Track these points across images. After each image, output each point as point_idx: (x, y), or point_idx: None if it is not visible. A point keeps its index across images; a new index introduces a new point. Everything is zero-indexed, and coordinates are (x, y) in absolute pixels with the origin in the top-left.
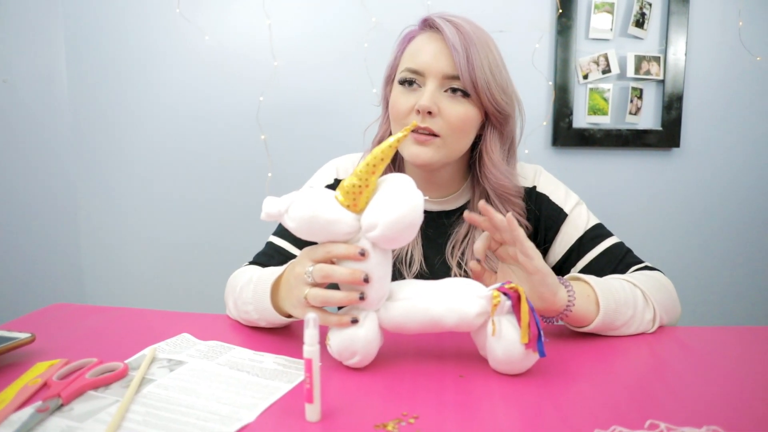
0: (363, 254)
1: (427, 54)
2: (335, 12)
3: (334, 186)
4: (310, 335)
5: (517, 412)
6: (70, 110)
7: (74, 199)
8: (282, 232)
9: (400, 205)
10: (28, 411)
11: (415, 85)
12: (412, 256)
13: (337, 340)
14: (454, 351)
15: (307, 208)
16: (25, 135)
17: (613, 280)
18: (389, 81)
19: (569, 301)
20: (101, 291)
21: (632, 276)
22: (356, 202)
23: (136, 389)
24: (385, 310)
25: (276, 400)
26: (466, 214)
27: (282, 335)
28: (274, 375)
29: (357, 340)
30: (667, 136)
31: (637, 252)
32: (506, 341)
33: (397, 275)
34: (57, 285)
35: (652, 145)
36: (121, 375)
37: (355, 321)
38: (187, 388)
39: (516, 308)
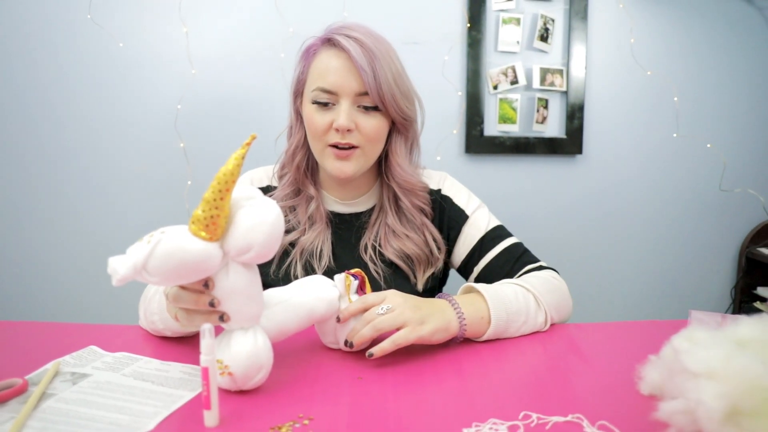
0: (207, 286)
1: (336, 74)
2: (253, 21)
3: None
4: (207, 345)
5: (408, 408)
6: None
7: None
8: None
9: (267, 222)
10: None
11: (329, 104)
12: (321, 251)
13: (240, 362)
14: (353, 354)
15: (170, 257)
16: None
17: (506, 286)
18: (298, 94)
19: (460, 321)
20: (4, 306)
21: (526, 280)
22: (216, 232)
23: (34, 404)
24: (266, 318)
25: (178, 408)
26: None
27: (192, 345)
28: (178, 384)
29: (260, 352)
30: (570, 143)
31: (542, 250)
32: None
33: (309, 269)
34: None
35: (557, 151)
36: (20, 391)
37: (222, 318)
38: (88, 400)
39: (362, 288)
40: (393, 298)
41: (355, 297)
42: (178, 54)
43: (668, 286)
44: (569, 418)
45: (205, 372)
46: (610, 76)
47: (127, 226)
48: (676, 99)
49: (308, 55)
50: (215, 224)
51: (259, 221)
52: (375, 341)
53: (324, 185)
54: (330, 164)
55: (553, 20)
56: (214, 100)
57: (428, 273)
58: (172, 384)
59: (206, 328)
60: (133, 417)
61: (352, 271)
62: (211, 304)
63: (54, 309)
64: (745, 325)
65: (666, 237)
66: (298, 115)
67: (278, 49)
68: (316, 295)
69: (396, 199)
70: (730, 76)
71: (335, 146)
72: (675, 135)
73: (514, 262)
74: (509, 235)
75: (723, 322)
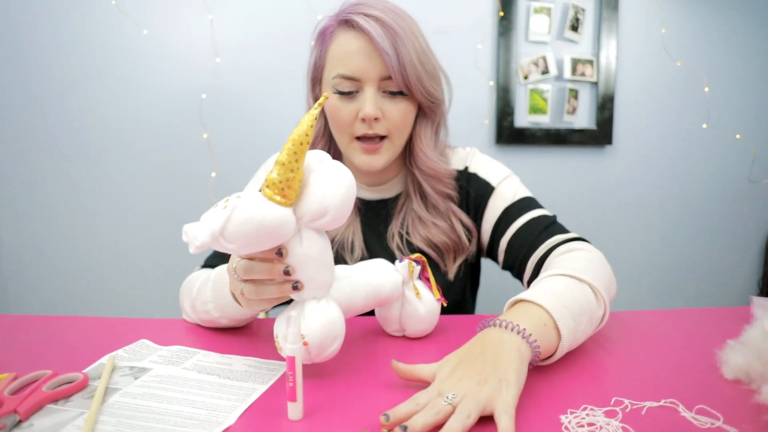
0: (280, 254)
1: (357, 59)
2: (279, 8)
3: None
4: (293, 333)
5: None
6: None
7: None
8: None
9: (342, 186)
10: None
11: (352, 93)
12: (353, 243)
13: (316, 330)
14: (421, 343)
15: (247, 222)
16: None
17: (552, 281)
18: (316, 81)
19: (526, 339)
20: (27, 300)
21: (567, 265)
22: (291, 195)
23: (101, 399)
24: (336, 290)
25: (254, 401)
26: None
27: (246, 337)
28: (246, 377)
29: (335, 320)
30: (600, 134)
31: None
32: (426, 300)
33: (340, 261)
34: None
35: (587, 143)
36: (82, 386)
37: (296, 287)
38: (156, 395)
39: (424, 273)
40: (449, 384)
41: (419, 283)
42: (203, 42)
43: (696, 274)
44: (662, 402)
45: (292, 362)
46: (640, 67)
47: (151, 218)
48: (706, 90)
49: (324, 38)
50: (290, 187)
51: (335, 184)
52: None
53: None
54: (358, 159)
55: (583, 10)
56: (238, 89)
57: (459, 261)
58: (239, 377)
59: (291, 316)
60: (210, 411)
61: (413, 256)
62: (286, 272)
63: (79, 304)
64: None
65: (694, 226)
66: (315, 102)
67: (306, 37)
68: (382, 274)
69: (420, 186)
70: (760, 67)
71: (361, 138)
72: (705, 126)
73: (542, 230)
74: (540, 207)
75: None
